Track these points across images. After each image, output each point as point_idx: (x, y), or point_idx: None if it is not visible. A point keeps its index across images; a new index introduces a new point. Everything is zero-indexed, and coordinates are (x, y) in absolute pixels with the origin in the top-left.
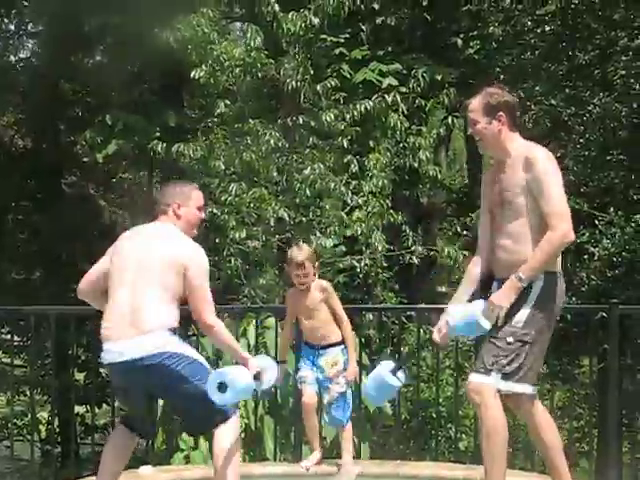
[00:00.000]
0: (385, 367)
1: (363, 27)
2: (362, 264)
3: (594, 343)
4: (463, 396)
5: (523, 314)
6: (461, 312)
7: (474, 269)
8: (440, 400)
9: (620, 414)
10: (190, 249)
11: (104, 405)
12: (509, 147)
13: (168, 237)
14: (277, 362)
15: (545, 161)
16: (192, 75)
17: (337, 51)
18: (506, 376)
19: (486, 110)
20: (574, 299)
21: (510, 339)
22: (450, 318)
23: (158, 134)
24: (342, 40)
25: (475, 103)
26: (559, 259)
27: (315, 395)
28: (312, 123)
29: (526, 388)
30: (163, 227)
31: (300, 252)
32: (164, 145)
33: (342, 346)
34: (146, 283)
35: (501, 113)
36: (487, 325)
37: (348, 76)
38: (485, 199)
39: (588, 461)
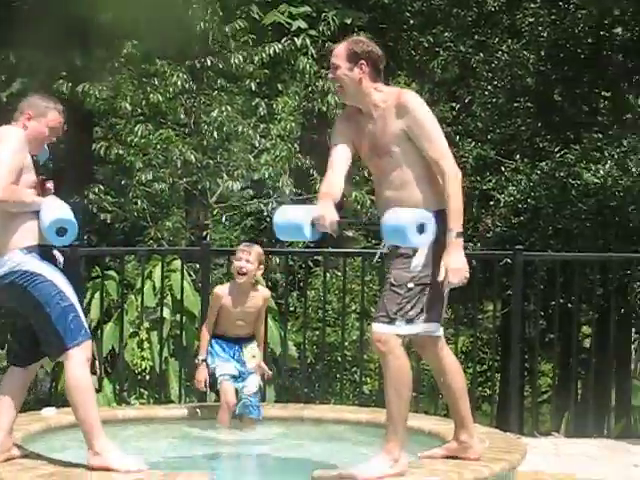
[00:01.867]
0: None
1: None
2: (270, 207)
3: (498, 289)
4: (368, 340)
5: (420, 257)
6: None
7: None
8: (345, 344)
9: (522, 359)
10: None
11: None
12: (374, 98)
13: None
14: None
15: (418, 104)
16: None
17: None
18: (410, 321)
19: (349, 57)
20: (479, 245)
21: (411, 284)
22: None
23: (64, 74)
24: None
25: (339, 49)
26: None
27: (234, 394)
28: (220, 65)
29: (429, 327)
30: (3, 129)
31: (250, 246)
32: (69, 85)
33: (255, 339)
34: None
35: (363, 62)
36: (416, 240)
37: (257, 18)
38: (346, 144)
39: (490, 405)
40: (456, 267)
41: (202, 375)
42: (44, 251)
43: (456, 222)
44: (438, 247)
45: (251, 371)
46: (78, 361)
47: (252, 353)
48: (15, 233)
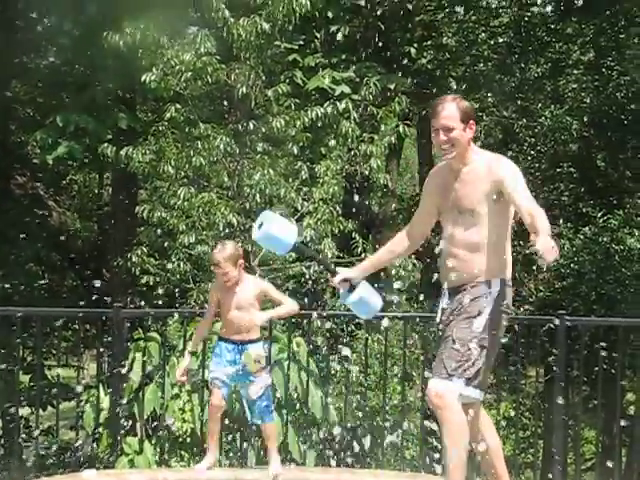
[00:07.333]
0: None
1: (317, 34)
2: (312, 271)
3: (541, 354)
4: (410, 404)
5: (482, 319)
6: (368, 291)
7: (399, 244)
8: (387, 408)
9: (565, 425)
10: None
11: (49, 407)
12: (470, 156)
13: None
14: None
15: (512, 164)
16: (142, 79)
17: (291, 58)
18: (468, 381)
19: (462, 117)
20: (522, 309)
21: (472, 344)
22: (360, 290)
23: (110, 137)
24: (296, 47)
25: (450, 110)
26: (510, 267)
27: (224, 399)
28: (263, 129)
29: (479, 395)
30: None
31: (217, 251)
32: (114, 148)
33: (262, 342)
34: None
35: (472, 121)
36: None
37: (301, 83)
38: (429, 203)
39: (533, 471)
40: (549, 245)
41: (182, 364)
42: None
43: (546, 229)
44: (497, 313)
45: (253, 377)
46: None
47: (255, 357)
48: None
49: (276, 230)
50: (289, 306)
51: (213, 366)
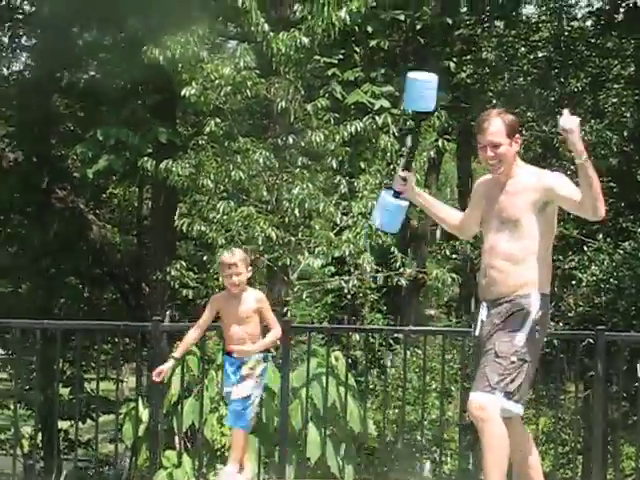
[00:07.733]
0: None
1: (357, 49)
2: (350, 285)
3: (580, 369)
4: (449, 419)
5: (524, 333)
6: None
7: (453, 217)
8: (425, 423)
9: (605, 441)
10: None
11: (88, 420)
12: (514, 169)
13: None
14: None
15: (559, 174)
16: (182, 93)
17: (330, 72)
18: (508, 395)
19: (508, 131)
20: (561, 324)
21: (514, 358)
22: (403, 202)
23: (149, 150)
24: (335, 61)
25: (496, 125)
26: (550, 280)
27: None
28: (302, 143)
29: (520, 409)
30: None
31: (231, 254)
32: (153, 162)
33: (262, 354)
34: None
35: (517, 135)
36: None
37: (340, 97)
38: (476, 207)
39: None
40: (572, 117)
41: (164, 367)
42: None
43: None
44: (539, 328)
45: (241, 380)
46: None
47: (250, 366)
48: None
49: (427, 92)
50: (275, 333)
51: (224, 381)
